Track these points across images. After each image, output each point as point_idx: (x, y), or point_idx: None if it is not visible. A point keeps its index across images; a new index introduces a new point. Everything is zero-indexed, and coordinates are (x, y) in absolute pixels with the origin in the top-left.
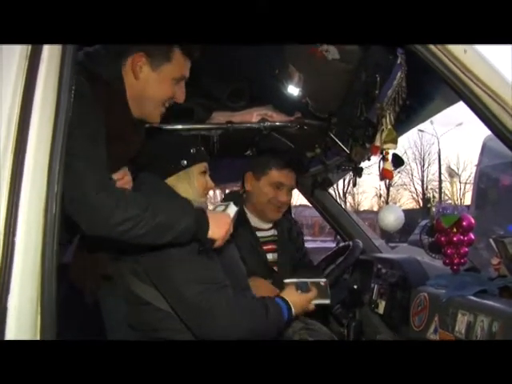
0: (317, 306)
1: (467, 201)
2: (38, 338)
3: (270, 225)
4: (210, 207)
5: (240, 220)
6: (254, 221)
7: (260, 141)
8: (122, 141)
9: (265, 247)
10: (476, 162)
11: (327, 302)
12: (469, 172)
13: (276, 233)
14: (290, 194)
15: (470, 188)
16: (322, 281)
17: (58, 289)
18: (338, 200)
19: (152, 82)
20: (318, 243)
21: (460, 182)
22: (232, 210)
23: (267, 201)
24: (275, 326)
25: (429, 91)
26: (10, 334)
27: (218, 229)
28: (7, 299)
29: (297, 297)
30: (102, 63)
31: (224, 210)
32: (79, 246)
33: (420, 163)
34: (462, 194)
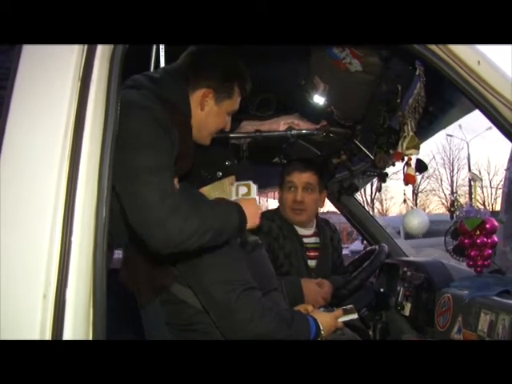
0: (344, 322)
1: (498, 206)
2: (90, 327)
3: (311, 231)
4: (233, 189)
5: (289, 228)
6: (297, 228)
7: (287, 148)
8: (186, 159)
9: (308, 253)
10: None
11: (354, 317)
12: (500, 177)
13: (319, 240)
14: (304, 194)
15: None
16: (349, 306)
17: (108, 289)
18: (366, 206)
19: (213, 115)
20: (345, 250)
21: (483, 187)
22: (254, 190)
23: (288, 206)
24: (298, 337)
25: (447, 99)
26: (69, 323)
27: (253, 218)
28: (65, 292)
29: (324, 316)
30: (171, 90)
31: (248, 193)
32: (128, 255)
33: (449, 168)
34: (494, 198)
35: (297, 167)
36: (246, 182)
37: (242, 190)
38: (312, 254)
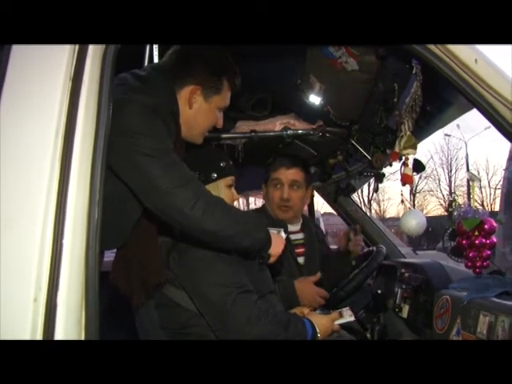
0: (341, 325)
1: (497, 206)
2: (83, 331)
3: (298, 227)
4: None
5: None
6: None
7: (283, 148)
8: None
9: (295, 250)
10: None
11: (351, 319)
12: (499, 177)
13: (303, 236)
14: (290, 191)
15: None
16: (346, 308)
17: (100, 292)
18: (363, 207)
19: (202, 112)
20: None
21: (481, 187)
22: (283, 234)
23: (275, 203)
24: (294, 339)
25: (445, 98)
26: (60, 327)
27: (276, 247)
28: (57, 295)
29: (320, 318)
30: (157, 88)
31: (278, 233)
32: (121, 256)
33: (447, 168)
34: (493, 199)
35: (282, 164)
36: (277, 229)
37: (273, 231)
38: (299, 250)
